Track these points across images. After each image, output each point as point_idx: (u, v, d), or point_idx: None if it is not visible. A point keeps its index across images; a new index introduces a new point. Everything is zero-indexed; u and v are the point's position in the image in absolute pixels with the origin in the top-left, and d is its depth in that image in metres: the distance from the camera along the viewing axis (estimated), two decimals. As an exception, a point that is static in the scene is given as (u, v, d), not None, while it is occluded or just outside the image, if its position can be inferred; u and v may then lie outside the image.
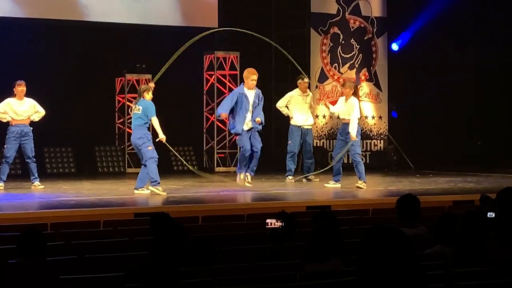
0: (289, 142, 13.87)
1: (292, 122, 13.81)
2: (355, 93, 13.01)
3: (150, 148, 11.43)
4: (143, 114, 11.45)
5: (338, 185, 12.89)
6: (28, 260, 5.54)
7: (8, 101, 12.29)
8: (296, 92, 13.84)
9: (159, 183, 11.33)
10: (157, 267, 4.40)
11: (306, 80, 13.98)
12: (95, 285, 4.88)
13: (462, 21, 17.65)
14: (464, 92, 17.75)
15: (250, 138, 12.45)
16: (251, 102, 12.50)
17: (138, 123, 11.50)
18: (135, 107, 11.61)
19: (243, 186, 12.44)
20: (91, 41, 15.90)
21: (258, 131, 12.70)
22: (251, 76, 12.64)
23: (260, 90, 12.80)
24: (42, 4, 15.47)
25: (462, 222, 4.93)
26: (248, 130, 12.50)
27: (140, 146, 11.42)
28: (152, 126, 11.61)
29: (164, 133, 11.74)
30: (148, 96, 11.54)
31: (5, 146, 12.37)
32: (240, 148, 12.98)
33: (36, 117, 12.44)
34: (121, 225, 8.15)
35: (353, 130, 12.45)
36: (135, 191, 11.39)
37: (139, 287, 4.45)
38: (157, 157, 11.50)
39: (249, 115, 12.49)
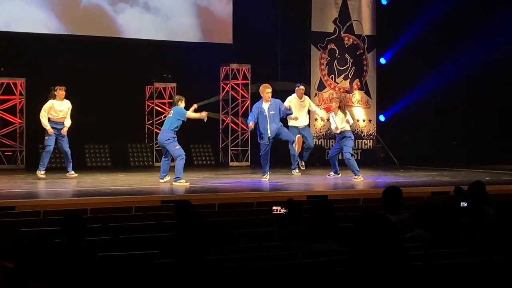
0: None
1: (290, 123, 13.59)
2: (340, 107, 12.99)
3: (177, 147, 11.40)
4: (174, 118, 11.45)
5: (338, 175, 13.12)
6: (71, 239, 5.54)
7: (52, 102, 12.40)
8: (293, 97, 13.72)
9: (181, 179, 11.28)
10: (181, 246, 4.41)
11: (301, 87, 13.82)
12: (127, 261, 4.89)
13: (438, 38, 17.60)
14: (440, 99, 17.70)
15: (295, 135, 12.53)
16: (267, 113, 12.32)
17: (168, 126, 11.49)
18: (170, 112, 11.71)
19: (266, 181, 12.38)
20: (126, 54, 15.91)
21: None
22: (265, 90, 12.55)
23: (278, 100, 12.62)
24: (84, 23, 15.49)
25: (438, 210, 4.92)
26: (273, 138, 12.39)
27: (167, 146, 11.41)
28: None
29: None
30: (182, 104, 11.60)
31: (45, 137, 12.38)
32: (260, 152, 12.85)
33: (67, 123, 12.43)
34: (150, 210, 8.13)
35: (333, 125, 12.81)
36: (174, 183, 11.34)
37: (165, 263, 4.45)
38: (185, 154, 11.47)
39: (268, 125, 12.32)
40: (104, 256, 4.97)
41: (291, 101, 13.67)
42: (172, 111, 11.58)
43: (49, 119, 12.34)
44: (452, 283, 4.12)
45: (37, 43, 14.84)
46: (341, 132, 12.95)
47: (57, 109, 12.39)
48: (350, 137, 13.00)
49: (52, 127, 12.31)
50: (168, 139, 11.40)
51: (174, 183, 11.26)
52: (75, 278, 4.55)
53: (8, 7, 14.72)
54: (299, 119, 13.56)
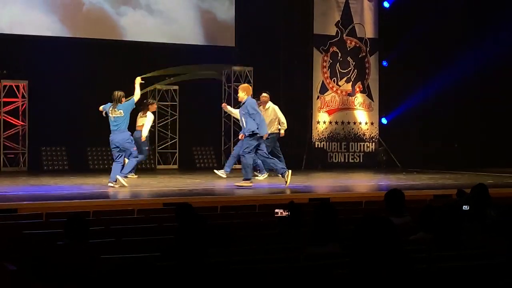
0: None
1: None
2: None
3: (134, 148, 11.30)
4: (127, 115, 11.04)
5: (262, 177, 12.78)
6: (73, 242, 5.55)
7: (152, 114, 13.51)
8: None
9: (127, 176, 11.21)
10: (182, 249, 4.41)
11: (264, 94, 13.44)
12: (130, 264, 4.89)
13: (439, 42, 17.62)
14: (443, 102, 17.70)
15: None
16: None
17: (125, 126, 11.09)
18: (115, 111, 11.07)
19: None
20: (128, 56, 15.94)
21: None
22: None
23: (245, 102, 11.64)
24: (87, 26, 15.53)
25: (440, 213, 4.92)
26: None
27: (128, 146, 11.11)
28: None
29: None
30: (125, 100, 11.16)
31: (134, 148, 12.05)
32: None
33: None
34: (152, 213, 8.14)
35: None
36: (118, 177, 11.02)
37: (167, 266, 4.45)
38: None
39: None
40: (107, 259, 4.98)
41: None
42: (121, 111, 11.04)
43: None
44: (454, 286, 4.13)
45: (40, 46, 14.88)
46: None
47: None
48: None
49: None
50: (129, 139, 11.13)
51: (118, 177, 10.98)
52: (78, 280, 4.56)
53: (11, 10, 14.76)
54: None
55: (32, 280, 4.87)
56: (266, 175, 12.93)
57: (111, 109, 11.13)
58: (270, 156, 11.79)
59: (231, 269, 4.28)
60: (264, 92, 13.50)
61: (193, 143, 16.34)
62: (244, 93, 11.59)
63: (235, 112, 12.75)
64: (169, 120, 16.43)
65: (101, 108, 11.34)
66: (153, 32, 16.06)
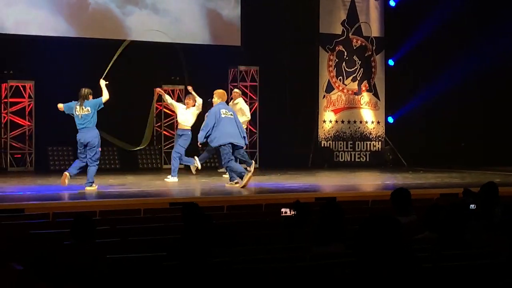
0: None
1: None
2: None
3: (100, 149, 10.95)
4: (93, 112, 10.77)
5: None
6: (80, 241, 5.56)
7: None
8: (230, 102, 13.23)
9: (92, 184, 10.84)
10: (188, 248, 4.42)
11: (236, 90, 13.50)
12: (136, 263, 4.91)
13: (446, 40, 17.59)
14: (450, 100, 17.67)
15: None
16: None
17: (92, 124, 10.77)
18: (82, 109, 10.75)
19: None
20: (134, 56, 15.94)
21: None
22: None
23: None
24: (92, 26, 15.56)
25: (446, 212, 4.92)
26: None
27: (95, 147, 10.77)
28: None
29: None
30: (91, 97, 10.91)
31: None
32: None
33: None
34: (158, 212, 8.15)
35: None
36: (88, 188, 10.76)
37: (173, 265, 4.47)
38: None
39: None
40: (113, 258, 4.99)
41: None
42: (89, 108, 10.75)
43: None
44: (459, 285, 4.13)
45: (45, 46, 14.91)
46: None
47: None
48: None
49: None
50: (98, 137, 10.78)
51: (87, 188, 10.74)
52: (84, 280, 4.57)
53: (17, 10, 14.80)
54: None
55: (39, 279, 4.89)
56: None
57: (77, 106, 10.78)
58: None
59: (236, 268, 4.29)
60: (236, 88, 13.57)
61: (199, 142, 16.33)
62: (215, 98, 11.88)
63: (171, 102, 12.91)
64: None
65: (60, 105, 10.96)
66: (158, 31, 16.06)
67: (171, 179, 12.31)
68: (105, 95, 10.96)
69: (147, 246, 5.66)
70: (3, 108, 15.25)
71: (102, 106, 10.92)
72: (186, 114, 12.76)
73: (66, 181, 10.64)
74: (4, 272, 5.65)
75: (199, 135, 11.67)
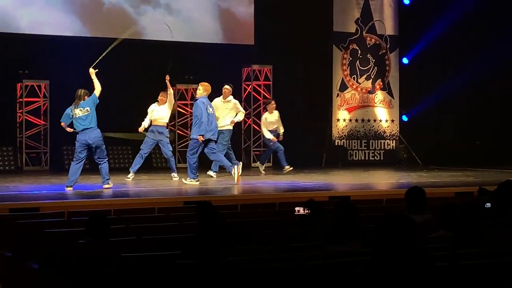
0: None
1: None
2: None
3: (104, 146, 10.84)
4: (93, 111, 10.64)
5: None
6: (95, 240, 5.59)
7: (266, 115, 14.37)
8: (218, 98, 13.14)
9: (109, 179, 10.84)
10: (203, 247, 4.43)
11: (226, 86, 13.16)
12: (150, 262, 4.93)
13: (460, 38, 17.50)
14: (464, 98, 17.58)
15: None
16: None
17: (94, 124, 10.64)
18: (81, 110, 10.64)
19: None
20: (147, 55, 15.99)
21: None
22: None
23: (196, 101, 12.06)
24: (107, 25, 15.60)
25: (461, 211, 4.90)
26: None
27: (102, 145, 10.72)
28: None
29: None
30: (87, 97, 10.78)
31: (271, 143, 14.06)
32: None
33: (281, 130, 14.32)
34: (172, 211, 8.17)
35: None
36: (106, 186, 10.75)
37: (188, 263, 4.48)
38: None
39: None
40: (127, 257, 5.01)
41: (215, 100, 13.05)
42: (87, 108, 10.62)
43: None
44: (474, 283, 4.11)
45: (60, 46, 14.97)
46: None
47: (269, 121, 14.26)
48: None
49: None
50: (101, 137, 10.69)
51: (105, 186, 10.74)
52: (99, 278, 4.59)
53: (32, 10, 14.88)
54: (219, 120, 12.75)
55: (54, 278, 4.91)
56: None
57: (74, 109, 10.67)
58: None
59: (250, 267, 4.29)
60: (227, 85, 13.26)
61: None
62: (201, 91, 11.95)
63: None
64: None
65: (63, 124, 10.91)
66: (173, 31, 16.09)
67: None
68: (97, 87, 10.83)
69: (161, 244, 5.68)
70: (19, 107, 15.34)
71: (98, 101, 10.75)
72: (161, 111, 12.67)
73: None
74: (20, 270, 5.68)
75: (199, 131, 11.65)
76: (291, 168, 14.03)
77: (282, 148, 14.14)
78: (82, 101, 10.70)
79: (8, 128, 15.19)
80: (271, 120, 14.37)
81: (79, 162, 10.67)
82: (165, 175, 13.64)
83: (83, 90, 10.88)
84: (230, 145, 13.29)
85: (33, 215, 7.87)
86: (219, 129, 12.54)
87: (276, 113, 14.45)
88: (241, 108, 13.37)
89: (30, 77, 15.27)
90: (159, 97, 12.92)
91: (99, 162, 10.81)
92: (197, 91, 12.10)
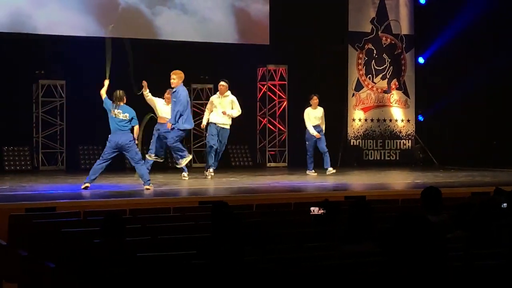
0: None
1: (210, 119, 12.92)
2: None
3: (137, 149, 10.88)
4: (129, 120, 10.74)
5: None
6: (110, 240, 5.60)
7: (308, 109, 14.05)
8: (215, 95, 13.13)
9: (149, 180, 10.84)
10: (218, 247, 4.44)
11: (222, 83, 12.91)
12: (166, 261, 4.93)
13: (478, 37, 17.40)
14: (481, 98, 17.48)
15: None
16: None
17: (127, 128, 10.70)
18: (118, 112, 10.72)
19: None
20: (163, 56, 16.02)
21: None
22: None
23: (178, 90, 12.13)
24: (122, 26, 15.65)
25: (477, 211, 4.87)
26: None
27: (130, 148, 10.72)
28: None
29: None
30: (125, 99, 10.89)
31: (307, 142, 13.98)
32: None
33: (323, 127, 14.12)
34: (187, 211, 8.17)
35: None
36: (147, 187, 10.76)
37: (203, 264, 4.48)
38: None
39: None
40: (143, 256, 5.02)
41: (212, 97, 13.18)
42: (127, 114, 10.73)
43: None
44: (490, 284, 4.08)
45: (76, 46, 15.04)
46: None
47: (312, 116, 13.89)
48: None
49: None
50: (131, 141, 10.73)
51: (147, 187, 10.71)
52: (114, 278, 4.60)
53: (48, 11, 14.96)
54: (220, 117, 12.79)
55: (70, 277, 4.93)
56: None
57: (113, 109, 10.83)
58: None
59: (266, 267, 4.29)
60: (222, 81, 12.99)
61: (228, 141, 16.36)
62: (177, 80, 12.05)
63: (150, 98, 12.53)
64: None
65: (103, 92, 11.13)
66: (188, 31, 16.13)
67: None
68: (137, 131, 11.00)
69: (176, 244, 5.69)
70: (35, 107, 15.43)
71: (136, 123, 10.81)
72: (167, 110, 12.63)
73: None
74: (35, 269, 5.71)
75: (176, 120, 11.92)
76: (334, 171, 13.75)
77: (326, 150, 13.87)
78: (121, 104, 10.77)
79: (25, 128, 15.28)
80: (314, 116, 14.03)
81: (105, 162, 10.80)
82: (181, 175, 13.65)
83: (123, 92, 10.97)
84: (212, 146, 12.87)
85: (49, 215, 7.91)
86: (220, 124, 12.68)
87: (320, 110, 14.11)
88: (237, 106, 12.94)
89: (46, 77, 15.36)
90: (166, 95, 12.78)
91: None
92: (172, 80, 12.06)
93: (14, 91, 15.02)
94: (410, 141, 17.81)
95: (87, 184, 10.69)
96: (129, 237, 5.82)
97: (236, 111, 12.96)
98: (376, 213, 6.58)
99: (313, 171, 13.77)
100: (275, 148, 17.01)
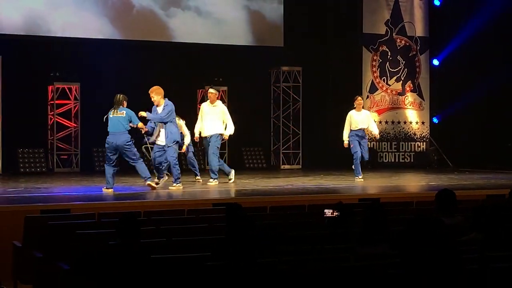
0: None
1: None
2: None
3: (134, 149, 10.85)
4: (127, 119, 10.72)
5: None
6: (125, 241, 5.62)
7: (351, 113, 13.26)
8: (205, 103, 12.50)
9: (150, 177, 10.91)
10: (232, 248, 4.44)
11: (210, 90, 12.38)
12: (180, 263, 4.95)
13: (493, 38, 17.31)
14: (496, 100, 17.39)
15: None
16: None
17: (125, 127, 10.69)
18: (117, 112, 10.73)
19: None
20: (177, 58, 16.08)
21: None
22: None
23: (169, 105, 11.57)
24: (137, 28, 15.73)
25: (492, 213, 4.86)
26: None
27: (128, 149, 10.69)
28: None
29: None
30: (126, 104, 10.88)
31: (351, 145, 13.25)
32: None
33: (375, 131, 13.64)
34: (202, 213, 8.18)
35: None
36: (149, 183, 10.80)
37: (217, 265, 4.49)
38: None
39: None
40: (157, 258, 5.04)
41: (202, 105, 12.66)
42: (124, 112, 10.71)
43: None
44: (506, 286, 4.07)
45: (91, 48, 15.12)
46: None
47: (354, 120, 13.11)
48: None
49: (354, 135, 12.95)
50: (129, 142, 10.72)
51: (148, 182, 10.78)
52: (129, 279, 4.62)
53: (63, 13, 15.05)
54: (206, 127, 12.26)
55: (85, 279, 4.96)
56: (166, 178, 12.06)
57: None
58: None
59: (280, 270, 4.29)
60: (211, 88, 12.51)
61: (242, 143, 16.39)
62: (159, 96, 11.38)
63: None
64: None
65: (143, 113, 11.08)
66: (202, 33, 16.18)
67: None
68: (140, 124, 10.96)
69: (190, 246, 5.70)
70: (50, 110, 15.52)
71: (134, 125, 10.80)
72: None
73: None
74: (50, 271, 5.75)
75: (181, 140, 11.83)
76: (362, 180, 12.84)
77: (359, 155, 12.88)
78: (120, 106, 10.78)
79: (39, 130, 15.36)
80: (357, 119, 13.07)
81: (112, 164, 10.78)
82: (193, 177, 13.68)
83: (122, 96, 10.92)
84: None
85: (64, 216, 7.94)
86: (206, 135, 12.18)
87: (364, 113, 13.32)
88: (229, 118, 12.24)
89: (61, 80, 15.43)
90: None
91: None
92: (154, 98, 11.38)
93: (29, 94, 15.11)
94: (424, 143, 17.75)
95: (109, 190, 10.69)
96: (144, 239, 5.83)
97: (230, 128, 12.29)
98: (390, 215, 6.57)
99: (360, 176, 12.93)
100: (289, 150, 17.01)
